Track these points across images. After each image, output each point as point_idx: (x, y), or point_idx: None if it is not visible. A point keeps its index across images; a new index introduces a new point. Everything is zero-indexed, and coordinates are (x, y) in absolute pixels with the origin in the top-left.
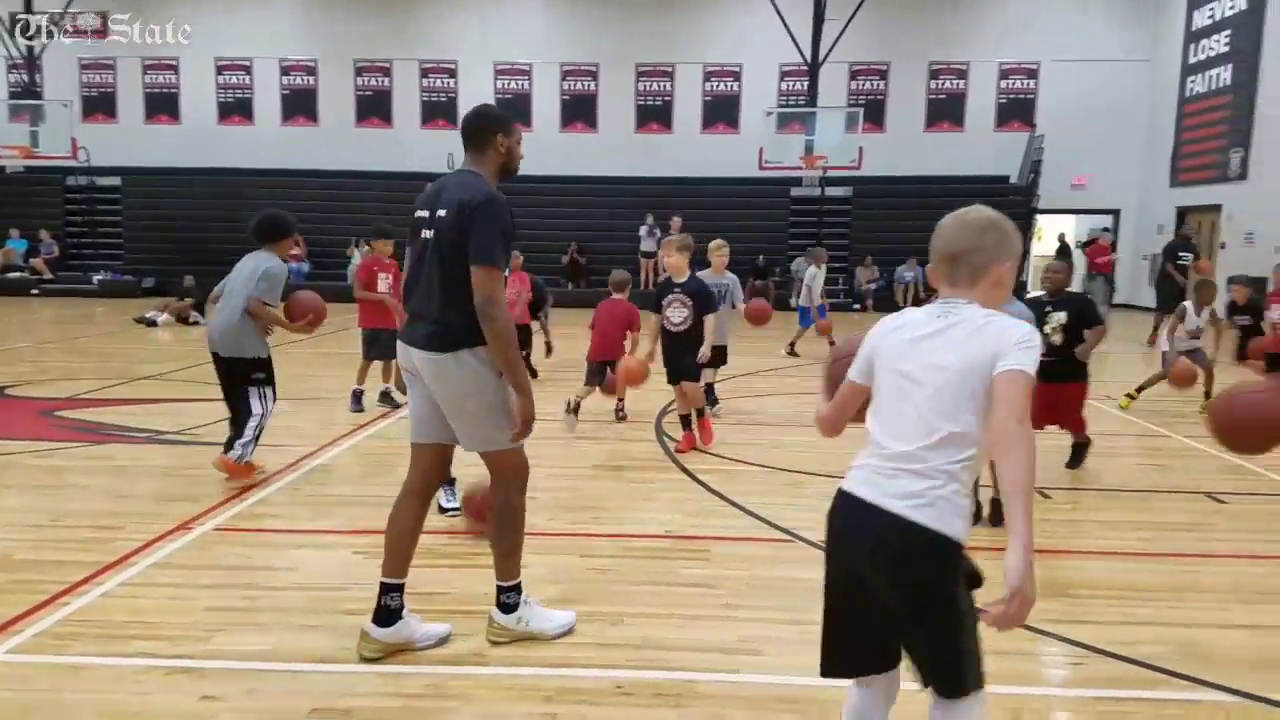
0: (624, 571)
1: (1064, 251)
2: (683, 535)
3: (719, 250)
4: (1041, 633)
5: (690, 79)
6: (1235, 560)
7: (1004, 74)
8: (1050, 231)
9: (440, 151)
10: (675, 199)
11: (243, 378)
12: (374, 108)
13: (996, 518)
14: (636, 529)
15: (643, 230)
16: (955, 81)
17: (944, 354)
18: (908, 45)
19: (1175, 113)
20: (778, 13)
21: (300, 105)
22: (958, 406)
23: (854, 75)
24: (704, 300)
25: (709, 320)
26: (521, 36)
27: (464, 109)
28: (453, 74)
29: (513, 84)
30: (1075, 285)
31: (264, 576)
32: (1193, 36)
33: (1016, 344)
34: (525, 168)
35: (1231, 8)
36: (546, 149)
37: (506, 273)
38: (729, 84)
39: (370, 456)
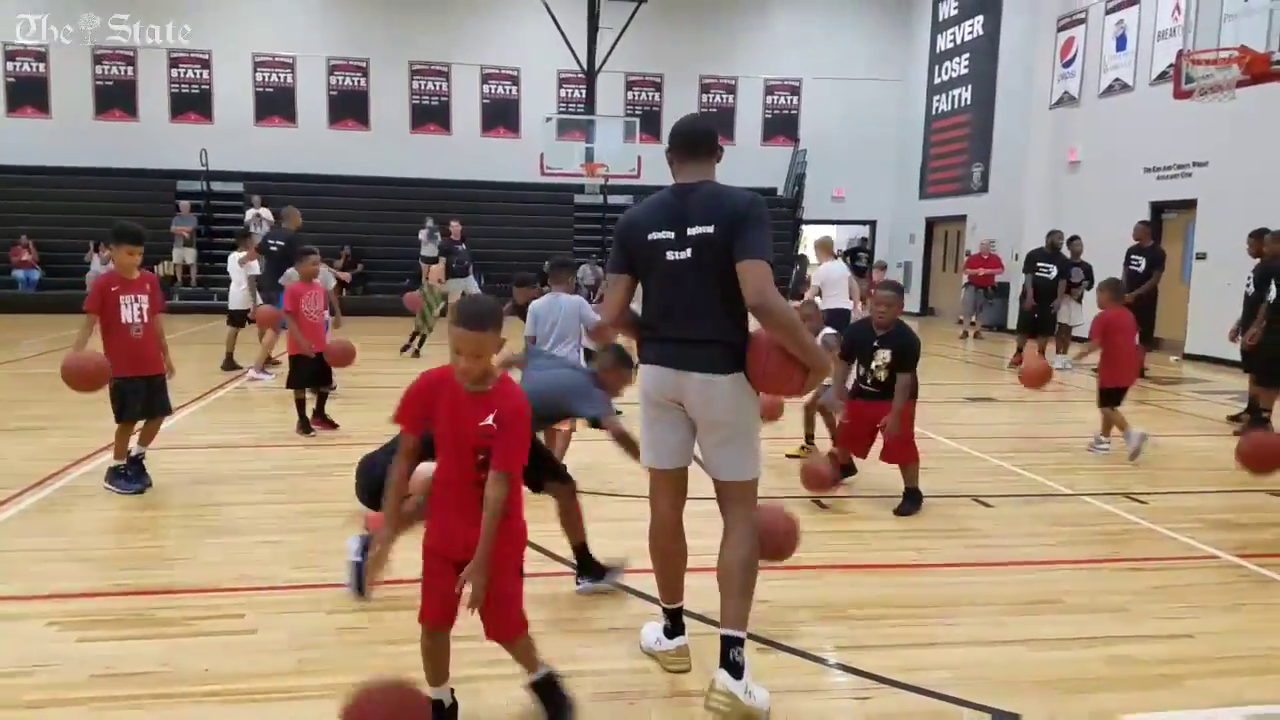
0: (379, 630)
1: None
2: None
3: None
4: (825, 662)
5: (468, 80)
6: (1005, 568)
7: (769, 90)
8: (814, 241)
9: (194, 147)
10: (455, 202)
11: None
12: (116, 99)
13: None
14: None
15: (423, 234)
16: (725, 96)
17: None
18: (679, 59)
19: (923, 129)
20: (553, 19)
21: (27, 95)
22: None
23: (630, 86)
24: None
25: None
26: (282, 27)
27: (219, 102)
28: (206, 65)
29: (274, 77)
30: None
31: None
32: (937, 59)
33: None
34: (290, 165)
35: (970, 33)
36: (313, 147)
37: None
38: (508, 87)
39: (88, 500)
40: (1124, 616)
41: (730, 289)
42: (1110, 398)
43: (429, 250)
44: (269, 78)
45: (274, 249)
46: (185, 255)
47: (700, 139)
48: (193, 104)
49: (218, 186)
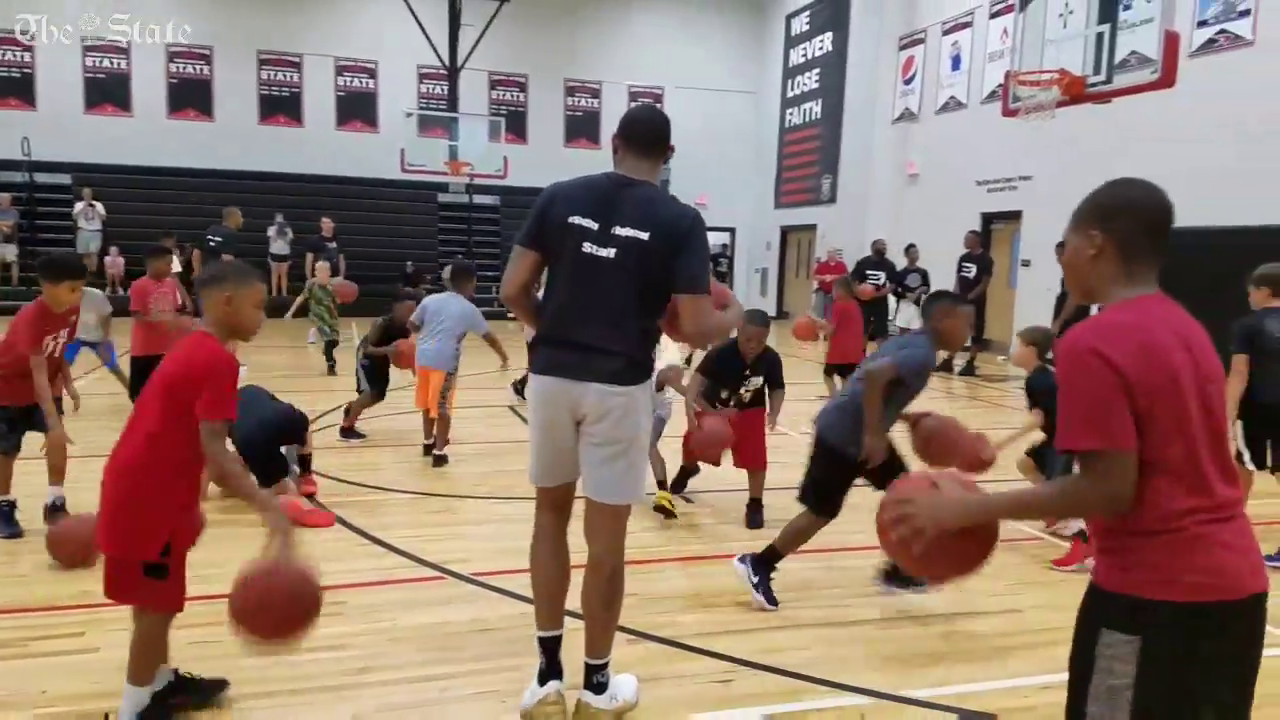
0: (233, 643)
1: None
2: None
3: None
4: (689, 649)
5: (321, 72)
6: (852, 553)
7: (633, 96)
8: None
9: (14, 136)
10: (308, 198)
11: None
12: None
13: None
14: None
15: (271, 230)
16: (590, 100)
17: None
18: (544, 60)
19: (778, 141)
20: (412, 12)
21: None
22: None
23: (494, 84)
24: None
25: None
26: (114, 10)
27: (43, 88)
28: (28, 48)
29: (105, 62)
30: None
31: None
32: (790, 72)
33: None
34: (124, 156)
35: (820, 49)
36: (151, 137)
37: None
38: (364, 80)
39: None
40: (959, 596)
41: (649, 301)
42: (837, 371)
43: (278, 247)
44: (100, 63)
45: (212, 245)
46: (5, 252)
47: (660, 138)
48: (13, 89)
49: (42, 178)
